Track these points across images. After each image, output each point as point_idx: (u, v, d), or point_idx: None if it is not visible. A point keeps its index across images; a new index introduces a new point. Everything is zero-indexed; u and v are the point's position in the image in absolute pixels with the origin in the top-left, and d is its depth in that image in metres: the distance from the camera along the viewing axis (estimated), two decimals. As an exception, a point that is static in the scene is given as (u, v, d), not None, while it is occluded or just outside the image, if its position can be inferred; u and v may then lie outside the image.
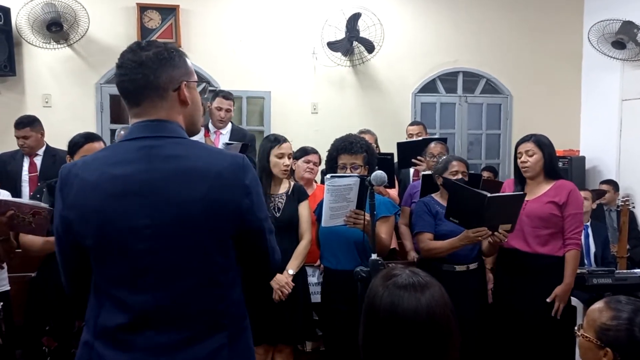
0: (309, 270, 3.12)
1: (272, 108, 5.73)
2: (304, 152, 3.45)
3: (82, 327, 2.34)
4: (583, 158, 6.00)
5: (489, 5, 6.07)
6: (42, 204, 2.32)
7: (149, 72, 1.32)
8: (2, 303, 1.23)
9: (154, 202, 1.28)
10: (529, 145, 2.97)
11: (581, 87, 6.29)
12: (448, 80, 6.14)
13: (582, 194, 4.16)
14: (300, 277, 2.90)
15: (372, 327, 1.20)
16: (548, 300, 2.87)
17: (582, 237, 3.97)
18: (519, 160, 3.01)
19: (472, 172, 3.25)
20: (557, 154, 5.39)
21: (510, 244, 2.90)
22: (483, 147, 6.26)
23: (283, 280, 2.77)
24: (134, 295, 1.29)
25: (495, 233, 2.67)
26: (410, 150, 4.01)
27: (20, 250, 2.54)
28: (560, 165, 5.54)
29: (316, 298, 3.01)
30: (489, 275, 3.18)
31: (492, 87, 6.23)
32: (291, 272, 2.82)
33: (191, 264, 1.31)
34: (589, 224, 4.11)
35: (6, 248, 2.42)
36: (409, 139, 4.48)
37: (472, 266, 2.93)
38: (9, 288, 2.61)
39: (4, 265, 2.54)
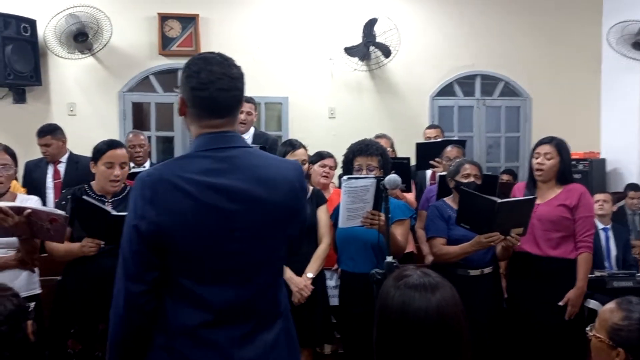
0: (327, 274, 3.15)
1: (289, 113, 5.79)
2: (320, 156, 3.49)
3: (106, 330, 2.44)
4: (603, 161, 5.93)
5: (507, 8, 6.05)
6: (59, 211, 2.36)
7: (241, 88, 1.46)
8: (34, 303, 1.29)
9: (242, 208, 1.39)
10: (549, 149, 2.92)
11: (601, 89, 6.22)
12: (466, 83, 6.12)
13: (602, 196, 4.15)
14: (318, 280, 2.94)
15: (384, 327, 1.22)
16: (560, 303, 2.84)
17: (602, 240, 3.95)
18: (534, 161, 2.96)
19: (490, 173, 3.24)
20: (578, 157, 5.39)
21: (522, 247, 2.88)
22: (502, 150, 6.22)
23: (302, 284, 2.81)
24: (218, 293, 1.39)
25: (508, 237, 2.67)
26: (429, 152, 4.02)
27: (46, 254, 2.62)
28: (580, 168, 5.51)
29: (334, 301, 3.04)
30: (503, 280, 3.17)
31: (510, 90, 6.19)
32: (310, 275, 2.85)
33: (269, 261, 1.47)
34: (609, 226, 4.07)
35: (28, 248, 2.45)
36: (428, 141, 4.49)
37: (487, 270, 2.92)
38: (40, 291, 2.68)
39: (35, 269, 2.62)
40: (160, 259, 1.36)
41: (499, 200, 2.56)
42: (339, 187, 3.75)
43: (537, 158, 2.96)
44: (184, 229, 1.35)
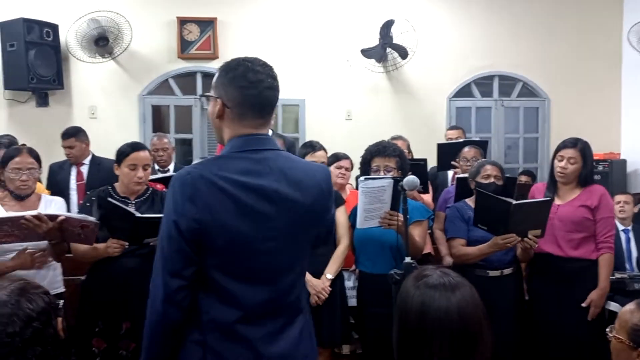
0: (345, 275, 3.17)
1: (306, 115, 5.83)
2: (336, 158, 3.52)
3: (130, 329, 2.49)
4: (624, 161, 5.85)
5: (525, 8, 6.01)
6: (90, 218, 2.41)
7: (279, 90, 1.54)
8: (62, 301, 1.33)
9: (278, 208, 1.45)
10: (573, 153, 2.87)
11: (621, 89, 6.15)
12: (484, 84, 6.10)
13: (623, 197, 4.10)
14: (337, 281, 2.95)
15: (404, 327, 1.23)
16: (583, 305, 2.83)
17: (623, 241, 3.90)
18: (557, 163, 2.92)
19: (508, 175, 3.23)
20: (598, 157, 5.33)
21: (543, 248, 2.87)
22: (520, 151, 6.18)
23: (320, 286, 2.83)
24: (251, 290, 1.44)
25: (525, 239, 2.67)
26: (450, 153, 4.02)
27: (71, 254, 2.68)
28: (600, 169, 5.45)
29: (352, 302, 3.06)
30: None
31: (529, 91, 6.15)
32: (329, 276, 2.88)
33: (297, 260, 1.54)
34: (630, 228, 4.03)
35: (57, 251, 2.54)
36: (449, 142, 4.49)
37: (507, 271, 2.92)
38: (63, 290, 2.74)
39: (59, 268, 2.68)
40: (197, 255, 1.41)
41: (514, 202, 2.56)
42: (357, 188, 3.78)
43: (560, 161, 2.92)
44: (221, 227, 1.39)
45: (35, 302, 1.26)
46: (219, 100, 1.50)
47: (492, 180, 2.97)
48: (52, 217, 2.35)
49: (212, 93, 1.53)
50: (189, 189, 1.39)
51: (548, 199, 2.79)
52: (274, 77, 1.51)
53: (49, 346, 1.27)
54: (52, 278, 2.66)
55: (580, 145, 2.90)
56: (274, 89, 1.51)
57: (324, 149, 3.28)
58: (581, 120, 5.80)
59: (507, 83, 6.13)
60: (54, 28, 5.31)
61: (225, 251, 1.42)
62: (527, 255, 2.91)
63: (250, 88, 1.46)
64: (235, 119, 1.49)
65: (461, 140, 4.37)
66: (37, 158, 2.68)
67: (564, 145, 2.94)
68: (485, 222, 2.69)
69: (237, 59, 1.51)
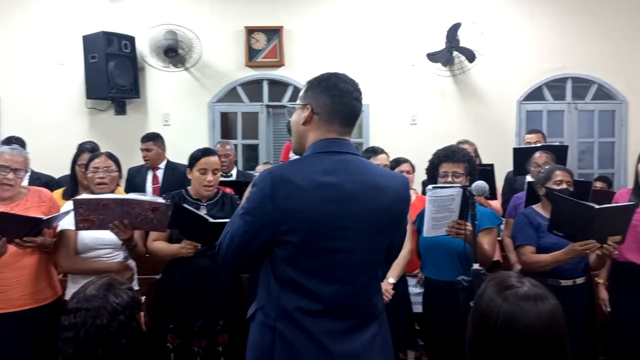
0: (411, 281, 3.15)
1: (370, 120, 5.83)
2: (396, 162, 3.53)
3: (202, 327, 2.59)
4: None
5: (599, 5, 5.75)
6: (160, 200, 2.52)
7: (362, 103, 1.63)
8: (144, 297, 1.41)
9: (353, 209, 1.50)
10: None
11: None
12: (555, 86, 5.89)
13: None
14: (400, 286, 2.94)
15: (485, 337, 1.21)
16: None
17: None
18: None
19: (582, 179, 3.10)
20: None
21: (626, 257, 2.73)
22: (595, 156, 5.91)
23: (382, 288, 2.83)
24: (323, 285, 1.50)
25: (604, 245, 2.54)
26: (526, 157, 3.91)
27: (148, 255, 2.82)
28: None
29: (418, 308, 3.03)
30: (602, 292, 3.01)
31: (604, 93, 5.87)
32: (392, 280, 2.87)
33: (372, 262, 1.58)
34: None
35: (135, 256, 2.68)
36: (527, 146, 4.37)
37: (579, 280, 2.79)
38: (137, 288, 2.88)
39: (134, 268, 2.82)
40: (266, 248, 1.50)
41: (597, 206, 2.45)
42: (422, 193, 3.75)
43: None
44: (297, 224, 1.46)
45: (120, 296, 1.36)
46: (309, 107, 1.58)
47: (564, 186, 2.86)
48: (122, 202, 2.44)
49: (299, 102, 1.63)
50: (269, 187, 1.47)
51: (633, 203, 2.65)
52: (359, 91, 1.61)
53: (132, 339, 1.36)
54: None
55: None
56: (360, 101, 1.61)
57: (386, 153, 3.27)
58: (663, 123, 5.48)
59: (581, 85, 5.89)
60: (131, 40, 5.63)
61: (301, 248, 1.48)
62: (602, 263, 2.77)
63: (341, 97, 1.56)
64: (322, 125, 1.58)
65: (539, 144, 4.23)
66: (117, 162, 2.85)
67: None
68: (562, 228, 2.57)
69: (328, 73, 1.62)
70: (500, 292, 1.22)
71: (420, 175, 3.51)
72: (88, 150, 3.59)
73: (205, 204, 2.77)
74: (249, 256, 1.55)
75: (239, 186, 3.84)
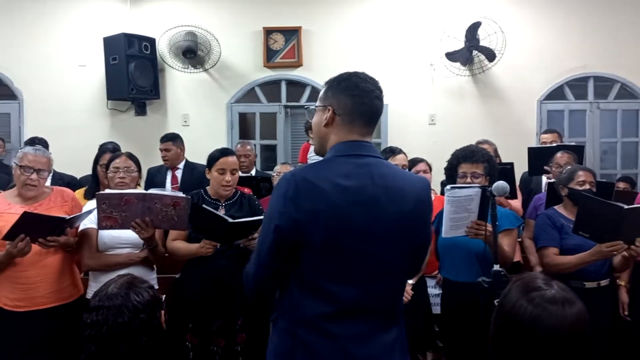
0: (430, 281, 3.13)
1: (389, 120, 5.81)
2: (413, 162, 3.53)
3: (221, 327, 2.61)
4: None
5: (621, 5, 5.65)
6: (181, 194, 2.53)
7: (383, 102, 1.61)
8: (164, 296, 1.42)
9: (375, 212, 1.49)
10: None
11: None
12: (577, 85, 5.80)
13: None
14: (419, 287, 2.93)
15: (509, 338, 1.20)
16: None
17: None
18: None
19: (604, 180, 3.05)
20: None
21: None
22: (618, 156, 5.81)
23: (402, 290, 2.82)
24: (343, 288, 1.48)
25: (632, 247, 2.49)
26: (542, 157, 3.86)
27: (167, 254, 2.84)
28: None
29: (437, 309, 3.01)
30: (623, 295, 2.95)
31: (627, 92, 5.77)
32: (411, 281, 2.86)
33: (393, 266, 1.55)
34: None
35: (154, 258, 2.70)
36: (541, 145, 4.31)
37: (604, 282, 2.74)
38: (157, 287, 2.90)
39: (154, 266, 2.86)
40: (292, 253, 1.48)
41: (626, 207, 2.39)
42: (441, 193, 3.72)
43: None
44: (318, 227, 1.45)
45: (141, 295, 1.37)
46: (329, 108, 1.57)
47: (587, 186, 2.82)
48: (144, 197, 2.45)
49: (320, 103, 1.61)
50: (291, 190, 1.46)
51: None
52: (380, 90, 1.59)
53: (153, 337, 1.37)
54: (146, 275, 2.81)
55: None
56: (381, 100, 1.59)
57: (404, 153, 3.26)
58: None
59: (604, 84, 5.79)
60: (151, 42, 5.69)
61: (321, 250, 1.47)
62: (627, 265, 2.71)
63: (362, 97, 1.54)
64: (344, 126, 1.56)
65: (555, 144, 4.17)
66: (137, 162, 2.88)
67: None
68: (588, 228, 2.52)
69: (347, 72, 1.60)
70: (526, 294, 1.20)
71: (439, 176, 3.49)
72: (109, 150, 3.64)
73: (223, 204, 2.78)
74: (278, 266, 1.52)
75: (255, 182, 3.85)
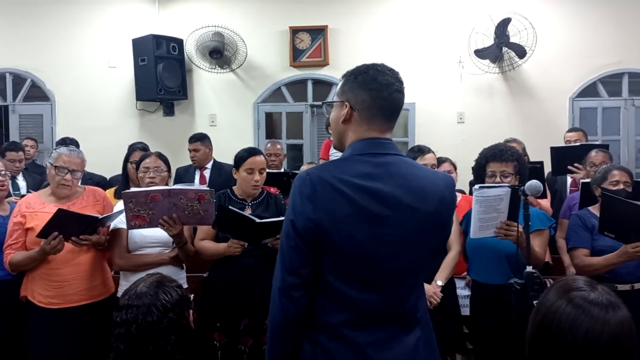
0: (459, 283, 3.08)
1: (416, 119, 5.76)
2: (437, 163, 3.47)
3: (248, 326, 2.61)
4: None
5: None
6: (204, 187, 2.52)
7: (404, 94, 1.51)
8: (192, 295, 1.43)
9: (396, 214, 1.42)
10: None
11: None
12: (611, 82, 5.64)
13: None
14: (448, 288, 2.88)
15: (546, 339, 1.16)
16: None
17: None
18: None
19: (638, 180, 2.96)
20: None
21: None
22: (655, 155, 5.64)
23: (431, 291, 2.78)
24: (364, 294, 1.43)
25: None
26: (566, 156, 3.76)
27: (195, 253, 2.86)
28: None
29: (466, 311, 2.96)
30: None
31: (664, 88, 5.59)
32: (440, 283, 2.82)
33: (415, 269, 1.50)
34: None
35: (183, 255, 2.71)
36: (565, 145, 4.21)
37: (638, 285, 2.65)
38: (186, 286, 2.94)
39: (183, 266, 2.88)
40: (314, 255, 1.42)
41: None
42: (469, 193, 3.66)
43: None
44: (337, 228, 1.39)
45: (170, 294, 1.38)
46: (347, 104, 1.49)
47: (621, 186, 2.74)
48: (169, 193, 2.44)
49: (337, 98, 1.54)
50: (307, 189, 1.41)
51: None
52: (401, 82, 1.50)
53: (181, 336, 1.38)
54: (176, 274, 2.83)
55: None
56: (402, 92, 1.50)
57: (433, 152, 3.22)
58: None
59: (638, 81, 5.62)
60: (179, 43, 5.75)
61: (339, 252, 1.41)
62: None
63: (381, 90, 1.46)
64: (363, 122, 1.48)
65: (579, 143, 4.07)
66: (166, 161, 2.91)
67: None
68: (613, 229, 2.47)
69: (365, 65, 1.51)
70: (566, 294, 1.16)
71: (468, 175, 3.44)
72: (139, 149, 3.70)
73: (250, 204, 2.79)
74: (306, 272, 1.43)
75: (286, 178, 3.85)
